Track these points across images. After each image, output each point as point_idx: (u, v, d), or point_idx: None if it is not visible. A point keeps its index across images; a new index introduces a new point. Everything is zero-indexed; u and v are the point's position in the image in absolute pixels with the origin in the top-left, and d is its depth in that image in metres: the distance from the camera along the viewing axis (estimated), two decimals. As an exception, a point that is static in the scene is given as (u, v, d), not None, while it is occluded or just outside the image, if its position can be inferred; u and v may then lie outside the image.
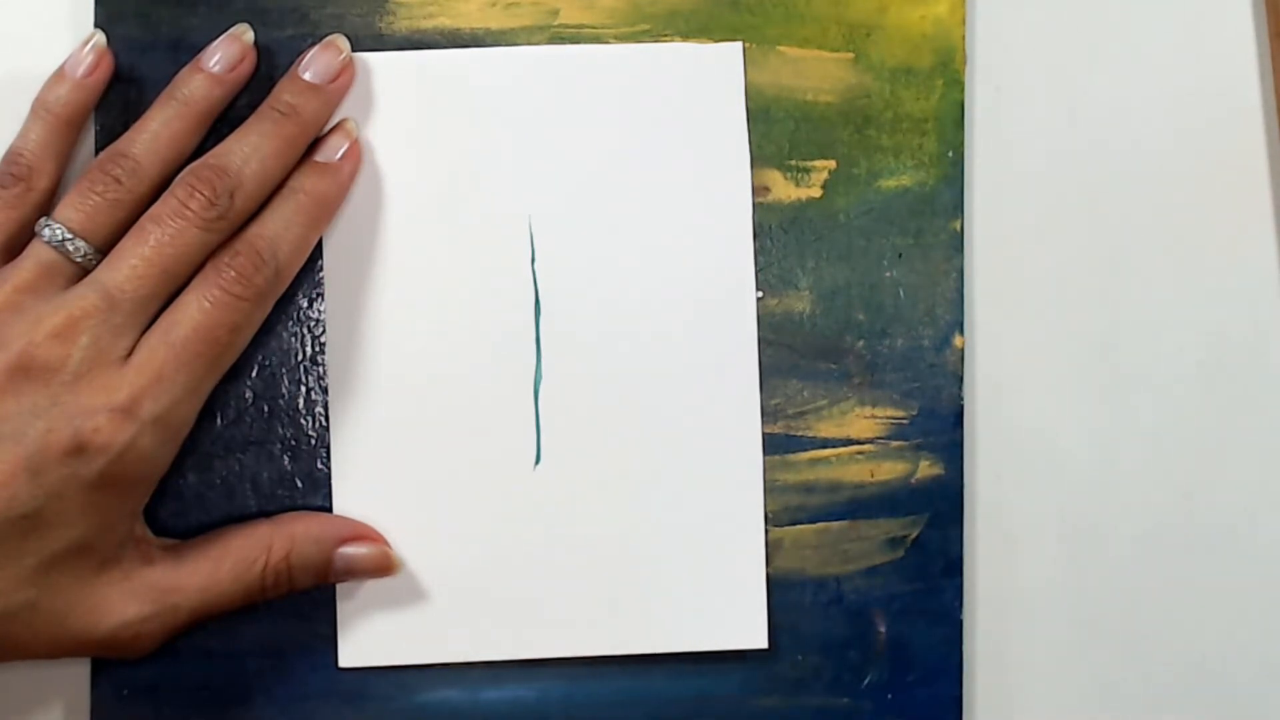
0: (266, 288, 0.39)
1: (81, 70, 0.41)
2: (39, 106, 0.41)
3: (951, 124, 0.43)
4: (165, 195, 0.38)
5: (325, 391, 0.42)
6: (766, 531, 0.43)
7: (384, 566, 0.42)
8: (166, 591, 0.39)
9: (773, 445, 0.43)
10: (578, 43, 0.43)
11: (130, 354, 0.38)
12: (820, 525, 0.43)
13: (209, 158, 0.39)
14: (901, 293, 0.43)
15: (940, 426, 0.43)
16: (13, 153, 0.40)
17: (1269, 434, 0.45)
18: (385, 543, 0.42)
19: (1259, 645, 0.45)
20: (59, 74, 0.41)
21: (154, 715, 0.42)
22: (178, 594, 0.39)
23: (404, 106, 0.42)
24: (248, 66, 0.41)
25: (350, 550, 0.41)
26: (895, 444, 0.43)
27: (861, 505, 0.43)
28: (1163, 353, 0.44)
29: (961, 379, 0.43)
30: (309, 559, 0.41)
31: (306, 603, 0.42)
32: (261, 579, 0.40)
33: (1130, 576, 0.44)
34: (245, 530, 0.41)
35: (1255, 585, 0.45)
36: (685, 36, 0.43)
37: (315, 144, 0.41)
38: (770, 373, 0.43)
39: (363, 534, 0.42)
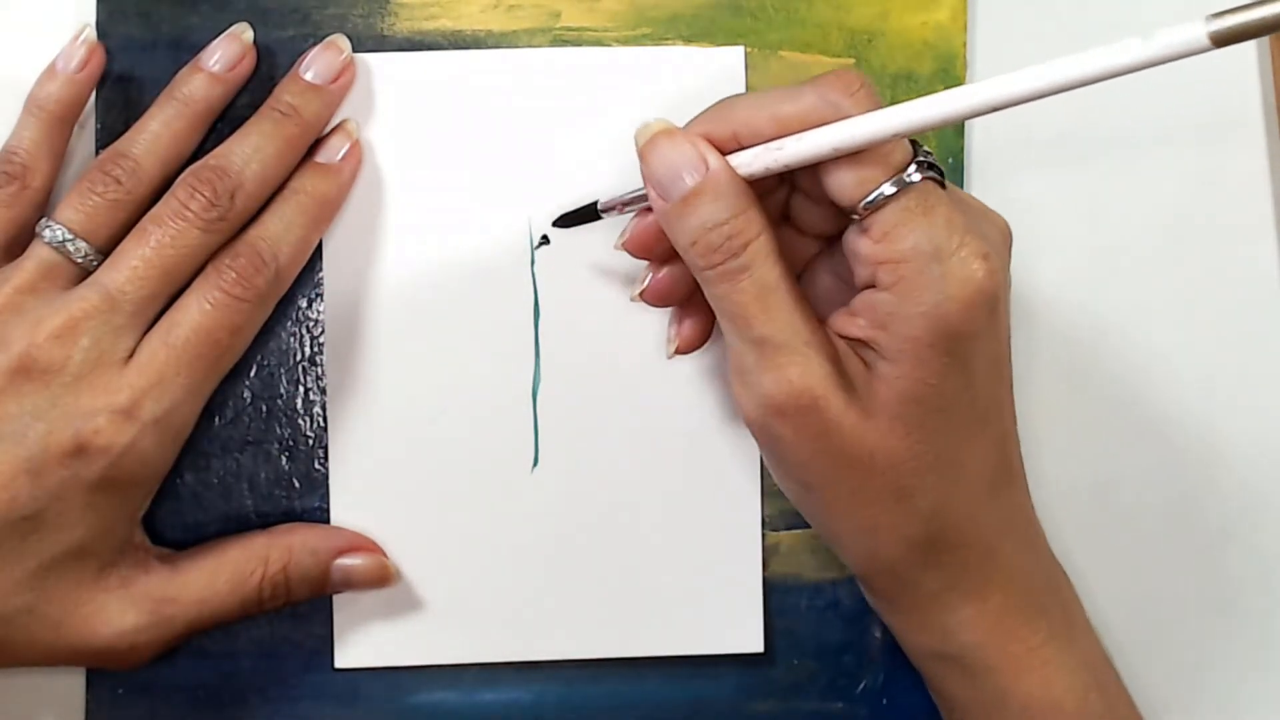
0: (267, 289, 0.39)
1: (73, 65, 0.40)
2: (31, 104, 0.40)
3: (951, 131, 0.43)
4: (166, 196, 0.38)
5: (324, 392, 0.42)
6: (763, 536, 0.43)
7: (381, 578, 0.42)
8: (163, 602, 0.39)
9: (771, 450, 0.43)
10: (579, 45, 0.43)
11: (131, 355, 0.37)
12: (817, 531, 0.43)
13: (210, 159, 0.39)
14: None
15: (937, 432, 0.43)
16: (7, 151, 0.40)
17: (1269, 434, 0.45)
18: (382, 553, 0.42)
19: (1256, 663, 0.45)
20: (50, 70, 0.41)
21: (150, 715, 0.42)
22: (174, 605, 0.39)
23: (405, 108, 0.42)
24: (247, 65, 0.41)
25: (348, 561, 0.41)
26: (893, 450, 0.43)
27: (858, 510, 0.43)
28: (1163, 354, 0.44)
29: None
30: (306, 570, 0.41)
31: (303, 604, 0.42)
32: (259, 591, 0.40)
33: (1128, 582, 0.44)
34: (241, 542, 0.41)
35: (1255, 592, 0.45)
36: (687, 40, 0.43)
37: (316, 144, 0.41)
38: (769, 377, 0.43)
39: (360, 545, 0.42)
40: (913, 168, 0.35)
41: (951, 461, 0.36)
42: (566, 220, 0.41)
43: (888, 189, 0.35)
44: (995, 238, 0.37)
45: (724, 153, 0.36)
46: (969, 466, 0.37)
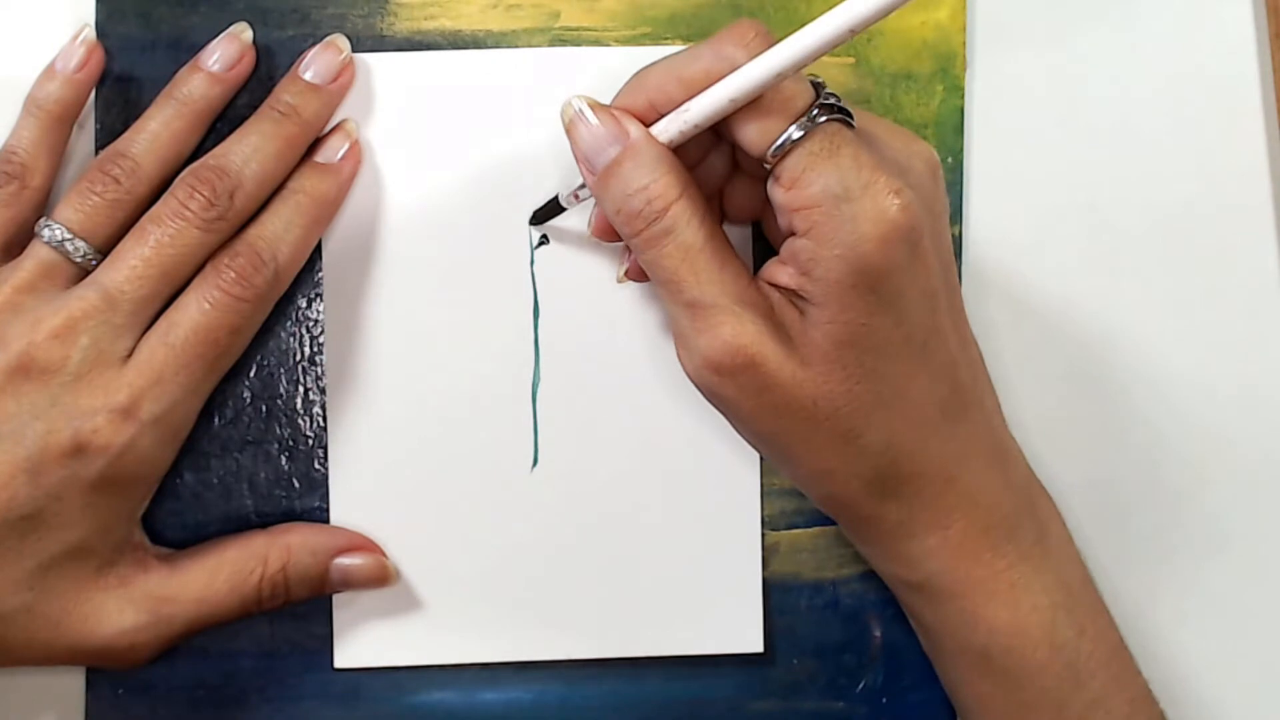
0: (266, 289, 0.39)
1: (73, 65, 0.40)
2: (30, 104, 0.40)
3: (951, 130, 0.43)
4: (165, 196, 0.38)
5: (323, 392, 0.42)
6: (763, 535, 0.43)
7: (381, 577, 0.42)
8: (162, 601, 0.39)
9: (770, 449, 0.43)
10: (579, 45, 0.43)
11: (130, 355, 0.38)
12: (816, 529, 0.43)
13: (209, 158, 0.39)
14: (900, 298, 0.43)
15: (937, 432, 0.43)
16: (6, 151, 0.40)
17: (1269, 433, 0.45)
18: (382, 553, 0.42)
19: (1256, 663, 0.45)
20: (49, 70, 0.41)
21: (149, 715, 0.42)
22: (174, 604, 0.39)
23: (404, 107, 0.42)
24: (246, 65, 0.41)
25: (347, 561, 0.41)
26: (892, 449, 0.43)
27: (858, 510, 0.43)
28: (1162, 355, 0.44)
29: (959, 385, 0.43)
30: (306, 570, 0.41)
31: (302, 604, 0.42)
32: (258, 590, 0.40)
33: (1125, 585, 0.44)
34: (241, 541, 0.41)
35: (1254, 591, 0.45)
36: (686, 40, 0.43)
37: (315, 144, 0.41)
38: (768, 377, 0.43)
39: (359, 544, 0.42)
40: (815, 110, 0.35)
41: (895, 397, 0.36)
42: (537, 217, 0.42)
43: (794, 134, 0.35)
44: (917, 168, 0.37)
45: (646, 123, 0.37)
46: (914, 399, 0.37)
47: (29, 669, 0.42)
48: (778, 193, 0.36)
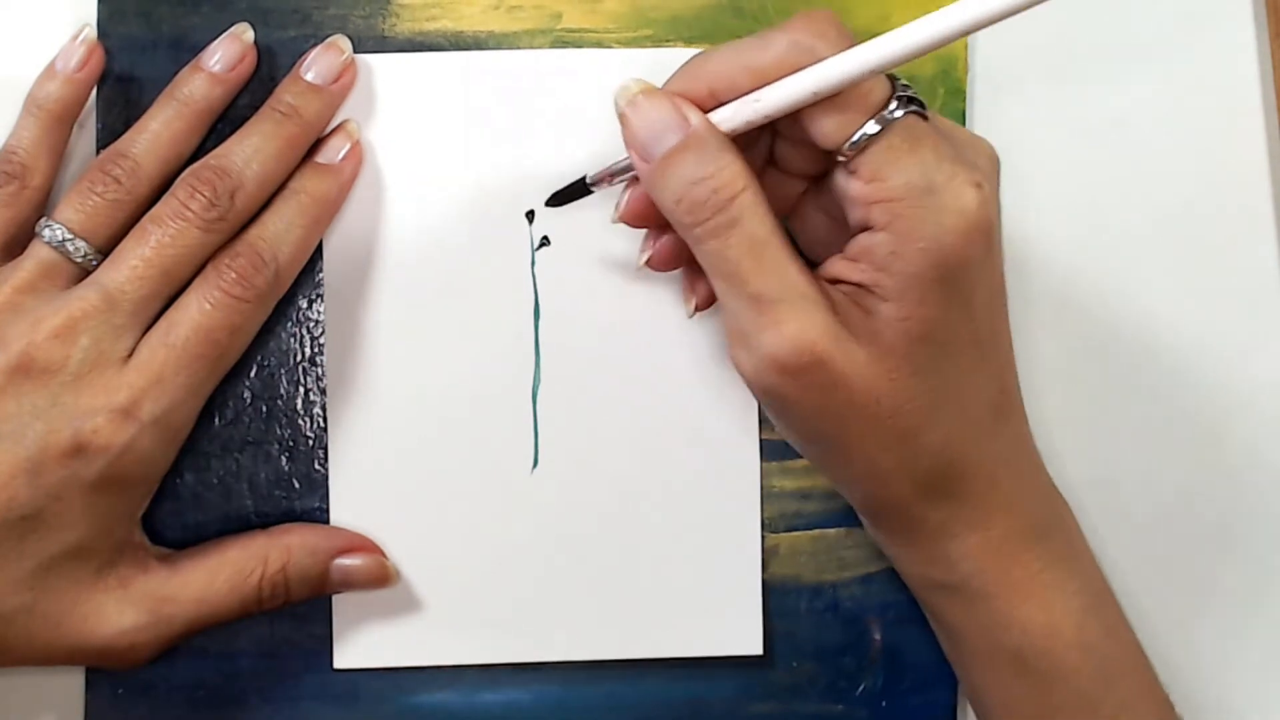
0: (267, 289, 0.39)
1: (73, 65, 0.40)
2: (31, 104, 0.40)
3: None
4: (166, 196, 0.38)
5: (323, 392, 0.42)
6: (763, 538, 0.43)
7: (381, 578, 0.42)
8: (162, 601, 0.39)
9: (770, 451, 0.43)
10: (580, 47, 0.43)
11: (130, 355, 0.38)
12: (816, 532, 0.43)
13: (210, 159, 0.39)
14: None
15: (937, 434, 0.43)
16: (6, 151, 0.40)
17: (1269, 433, 0.45)
18: (382, 553, 0.42)
19: (1254, 676, 0.45)
20: (50, 70, 0.41)
21: (149, 715, 0.42)
22: (173, 604, 0.39)
23: (406, 108, 0.42)
24: (248, 66, 0.41)
25: (347, 561, 0.41)
26: (893, 451, 0.43)
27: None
28: (1163, 354, 0.44)
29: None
30: (306, 570, 0.41)
31: (302, 604, 0.42)
32: (258, 591, 0.40)
33: (1125, 583, 0.44)
34: (241, 541, 0.41)
35: (1257, 592, 0.45)
36: (688, 42, 0.43)
37: (316, 145, 0.41)
38: (769, 379, 0.43)
39: (359, 545, 0.42)
40: (894, 104, 0.35)
41: (955, 395, 0.36)
42: (558, 198, 0.41)
43: (871, 128, 0.35)
44: (984, 164, 0.37)
45: (703, 110, 0.36)
46: (972, 398, 0.37)
47: (29, 669, 0.42)
48: (855, 186, 0.35)
